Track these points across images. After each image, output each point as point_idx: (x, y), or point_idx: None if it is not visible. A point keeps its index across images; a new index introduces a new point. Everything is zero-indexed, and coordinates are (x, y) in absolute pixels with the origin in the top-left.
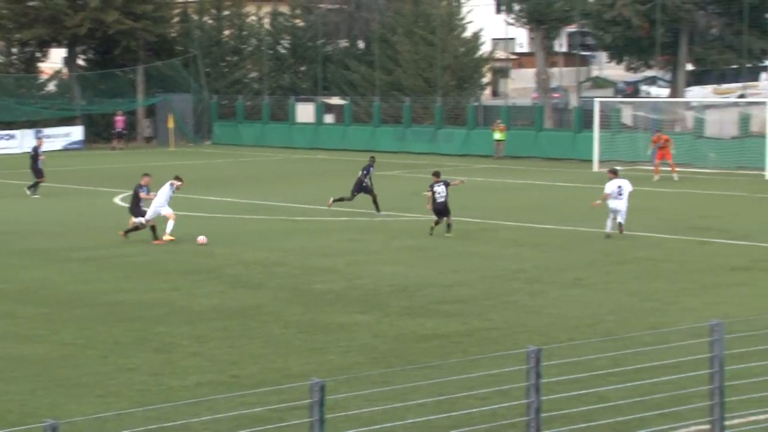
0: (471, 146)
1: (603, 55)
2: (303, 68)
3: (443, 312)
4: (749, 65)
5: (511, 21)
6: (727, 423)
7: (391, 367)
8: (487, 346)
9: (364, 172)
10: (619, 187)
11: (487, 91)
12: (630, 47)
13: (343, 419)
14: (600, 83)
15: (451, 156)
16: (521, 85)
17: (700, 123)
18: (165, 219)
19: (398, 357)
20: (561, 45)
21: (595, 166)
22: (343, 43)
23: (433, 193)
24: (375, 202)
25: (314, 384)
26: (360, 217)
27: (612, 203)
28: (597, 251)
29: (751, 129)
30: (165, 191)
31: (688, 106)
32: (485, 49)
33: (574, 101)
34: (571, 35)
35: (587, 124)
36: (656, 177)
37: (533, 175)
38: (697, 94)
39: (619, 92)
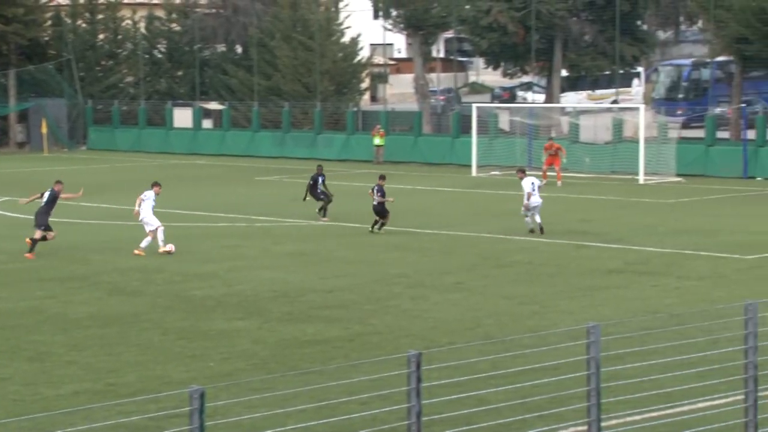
0: (351, 151)
1: (480, 61)
2: (180, 73)
3: (325, 317)
4: (622, 71)
5: (389, 27)
6: (603, 424)
7: (272, 373)
8: (369, 351)
9: (311, 182)
10: (533, 183)
11: (366, 97)
12: (506, 53)
13: (224, 427)
14: (477, 89)
15: (331, 161)
16: (400, 90)
17: (574, 128)
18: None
19: (279, 363)
20: (438, 51)
21: (474, 171)
22: (221, 47)
23: (379, 193)
24: (324, 208)
25: (193, 391)
26: (240, 223)
27: (533, 200)
28: (477, 255)
29: (624, 134)
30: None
31: (563, 111)
32: (363, 54)
33: (455, 103)
34: (448, 41)
35: (465, 129)
36: (542, 182)
37: (413, 180)
38: (572, 99)
39: (496, 98)
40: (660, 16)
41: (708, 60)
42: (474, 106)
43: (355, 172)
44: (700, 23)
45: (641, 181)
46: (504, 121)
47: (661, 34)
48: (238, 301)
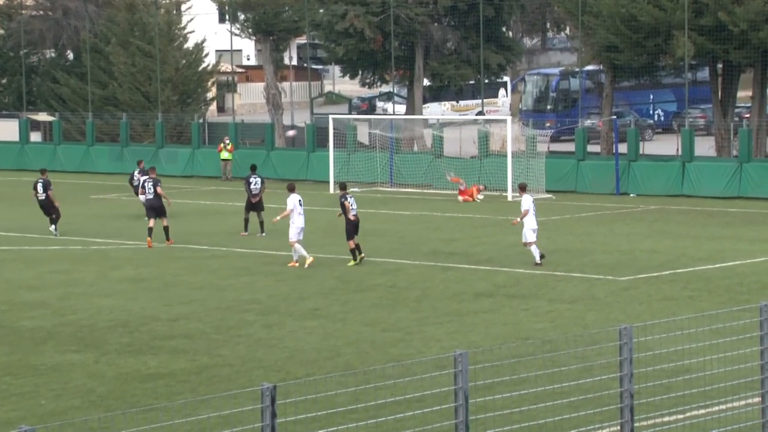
0: (196, 167)
1: (336, 69)
2: (4, 81)
3: (169, 348)
4: (487, 81)
5: (237, 32)
6: None
7: (110, 411)
8: (219, 385)
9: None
10: (533, 201)
11: (213, 107)
12: (364, 61)
13: None
14: (334, 99)
15: (176, 177)
16: (250, 100)
17: (438, 141)
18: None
19: (119, 399)
20: (291, 58)
21: (332, 188)
22: (50, 53)
23: (349, 204)
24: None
25: None
26: (74, 246)
27: (530, 220)
28: (335, 279)
29: (491, 147)
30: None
31: (426, 123)
32: (209, 61)
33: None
34: (301, 47)
35: (321, 142)
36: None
37: (265, 198)
38: (435, 110)
39: (354, 109)
40: (526, 22)
41: (577, 69)
42: (330, 117)
43: (202, 189)
44: (567, 30)
45: (509, 198)
46: (363, 134)
47: (528, 42)
48: (72, 332)
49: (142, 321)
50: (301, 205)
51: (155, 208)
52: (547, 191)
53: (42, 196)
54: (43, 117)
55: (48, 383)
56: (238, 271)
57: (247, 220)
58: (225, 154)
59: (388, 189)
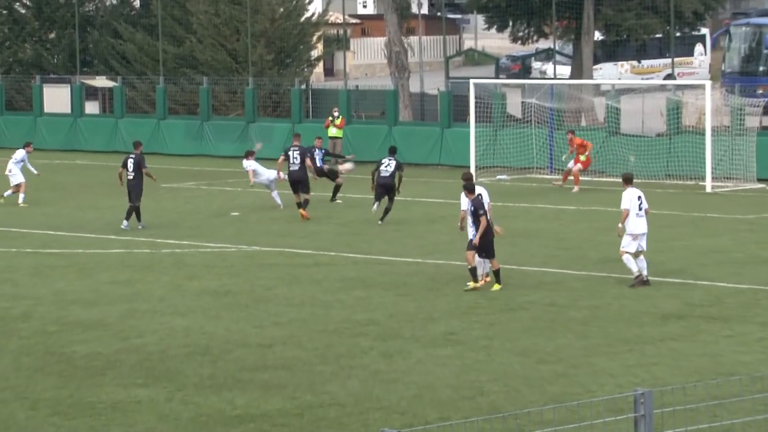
0: None
1: (479, 19)
2: (52, 35)
3: (261, 383)
4: (679, 34)
5: None
6: None
7: None
8: (325, 431)
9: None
10: (639, 198)
11: (319, 69)
12: (516, 8)
13: None
14: (476, 58)
15: (271, 160)
16: (366, 60)
17: (614, 114)
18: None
19: None
20: (421, 4)
21: (473, 172)
22: (111, 0)
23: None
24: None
25: None
26: (140, 249)
27: (633, 225)
28: (476, 294)
29: (683, 122)
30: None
31: (597, 90)
32: (314, 9)
33: (439, 84)
34: None
35: (459, 115)
36: (575, 189)
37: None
38: (610, 73)
39: (503, 71)
40: None
41: None
42: (471, 82)
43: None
44: None
45: (709, 189)
46: (514, 105)
47: None
48: (137, 360)
49: (227, 347)
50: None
51: (302, 181)
52: (760, 180)
53: (131, 176)
54: (101, 82)
55: (107, 426)
56: (350, 282)
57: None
58: (334, 130)
59: (547, 176)
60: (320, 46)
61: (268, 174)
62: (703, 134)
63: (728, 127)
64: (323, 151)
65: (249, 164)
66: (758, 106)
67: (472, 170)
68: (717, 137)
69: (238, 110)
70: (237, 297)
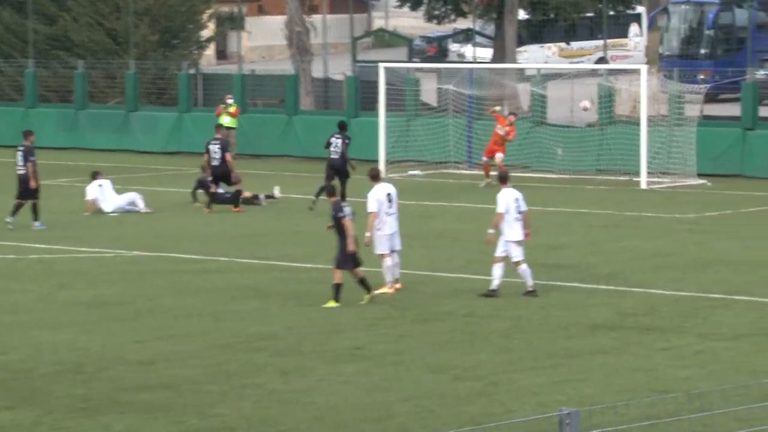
0: (184, 138)
1: None
2: None
3: (142, 405)
4: (612, 13)
5: None
6: None
7: None
8: None
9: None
10: (517, 200)
11: (210, 52)
12: None
13: None
14: (387, 40)
15: (155, 154)
16: (264, 41)
17: (539, 102)
18: None
19: None
20: None
21: (382, 166)
22: None
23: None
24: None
25: None
26: (4, 254)
27: (509, 230)
28: (385, 304)
29: (616, 111)
30: None
31: (521, 76)
32: None
33: (345, 68)
34: None
35: (367, 103)
36: (483, 182)
37: (286, 184)
38: (535, 57)
39: (416, 54)
40: None
41: None
42: (381, 66)
43: (191, 171)
44: None
45: (644, 185)
46: (429, 92)
47: None
48: (0, 381)
49: (103, 364)
50: (390, 200)
51: (224, 178)
52: (700, 175)
53: (21, 170)
54: None
55: None
56: (244, 291)
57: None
58: (227, 120)
59: (466, 172)
60: (212, 25)
61: (120, 201)
62: (638, 124)
63: (666, 116)
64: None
65: (91, 191)
66: (699, 93)
67: (382, 165)
68: (653, 128)
69: (118, 98)
70: (115, 308)
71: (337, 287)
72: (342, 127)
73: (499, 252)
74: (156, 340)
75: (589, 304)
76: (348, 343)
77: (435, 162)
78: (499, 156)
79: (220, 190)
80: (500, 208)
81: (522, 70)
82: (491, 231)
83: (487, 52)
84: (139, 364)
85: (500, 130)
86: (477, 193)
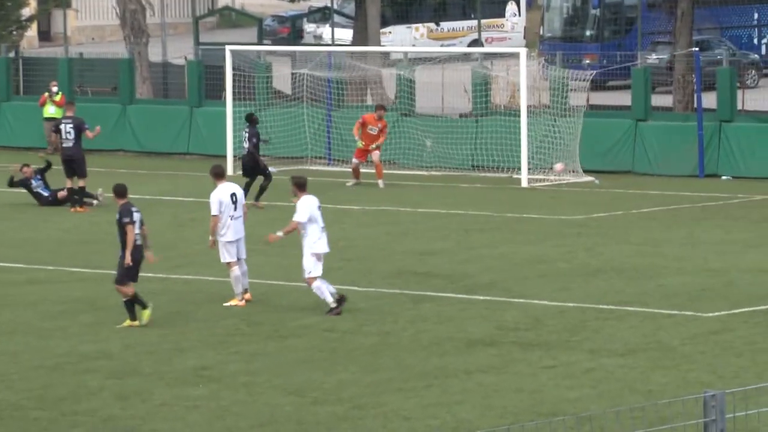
0: (3, 132)
1: None
2: None
3: None
4: None
5: None
6: None
7: None
8: None
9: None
10: (320, 208)
11: (32, 32)
12: None
13: None
14: (234, 19)
15: None
16: (93, 21)
17: (406, 89)
18: None
19: None
20: None
21: (230, 167)
22: None
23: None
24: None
25: None
26: None
27: (312, 239)
28: (235, 317)
29: (493, 100)
30: None
31: (386, 60)
32: None
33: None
34: None
35: (212, 91)
36: (352, 182)
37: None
38: (402, 39)
39: (267, 35)
40: None
41: None
42: (228, 49)
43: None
44: None
45: (525, 183)
46: (282, 78)
47: None
48: None
49: None
50: (234, 201)
51: (76, 161)
52: (586, 171)
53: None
54: None
55: None
56: (74, 305)
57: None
58: (52, 110)
59: (326, 168)
60: (33, 2)
61: None
62: (517, 115)
63: (548, 105)
64: (39, 177)
65: None
66: (585, 79)
67: (229, 162)
68: (534, 119)
69: None
70: None
71: (131, 303)
72: (250, 121)
73: (317, 271)
74: None
75: (465, 317)
76: (194, 363)
77: (291, 157)
78: (376, 155)
79: (44, 191)
80: (302, 217)
81: (387, 53)
82: (280, 234)
83: (347, 33)
84: None
85: (372, 129)
86: (341, 191)
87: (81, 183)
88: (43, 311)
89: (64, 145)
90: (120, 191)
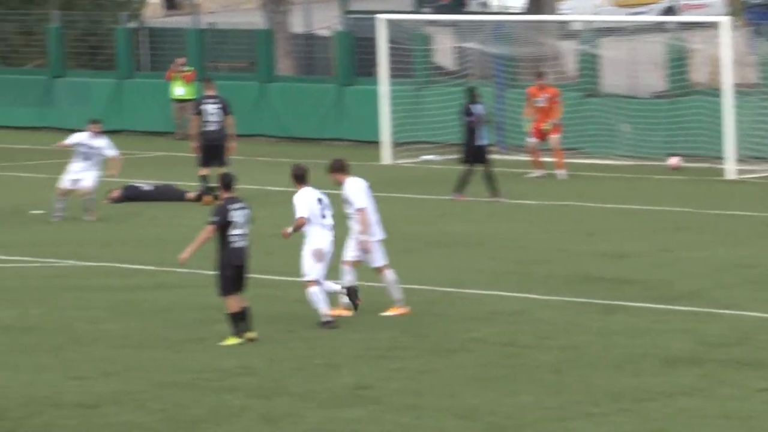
0: (127, 112)
1: None
2: None
3: None
4: None
5: None
6: None
7: None
8: None
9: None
10: (321, 201)
11: (156, 0)
12: None
13: None
14: None
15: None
16: None
17: (589, 65)
18: None
19: None
20: None
21: (387, 156)
22: None
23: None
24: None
25: None
26: None
27: (317, 237)
28: (393, 328)
29: (690, 78)
30: None
31: (565, 31)
32: None
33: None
34: None
35: (363, 67)
36: (536, 173)
37: (260, 173)
38: (583, 6)
39: (426, 3)
40: None
41: None
42: (381, 19)
43: (139, 155)
44: None
45: (731, 175)
46: (445, 52)
47: None
48: None
49: (31, 408)
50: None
51: (219, 146)
52: None
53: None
54: None
55: None
56: (213, 313)
57: None
58: (180, 90)
59: (496, 156)
60: None
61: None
62: (718, 95)
63: (758, 85)
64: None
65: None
66: None
67: (386, 149)
68: (742, 99)
69: (38, 59)
70: (44, 335)
71: (235, 317)
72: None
73: (315, 273)
74: (100, 376)
75: (663, 330)
76: (349, 381)
77: (455, 143)
78: (555, 138)
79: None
80: (301, 212)
81: (565, 23)
82: (289, 230)
83: (518, 1)
84: (78, 407)
85: (539, 101)
86: (517, 183)
87: (222, 171)
88: (176, 320)
89: (208, 128)
90: (226, 183)
